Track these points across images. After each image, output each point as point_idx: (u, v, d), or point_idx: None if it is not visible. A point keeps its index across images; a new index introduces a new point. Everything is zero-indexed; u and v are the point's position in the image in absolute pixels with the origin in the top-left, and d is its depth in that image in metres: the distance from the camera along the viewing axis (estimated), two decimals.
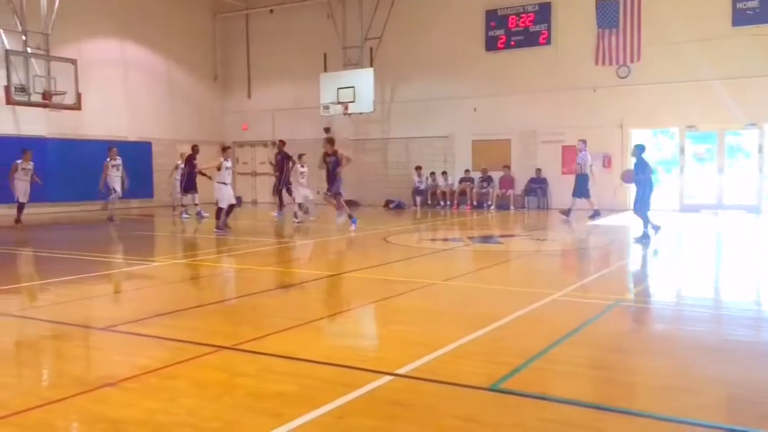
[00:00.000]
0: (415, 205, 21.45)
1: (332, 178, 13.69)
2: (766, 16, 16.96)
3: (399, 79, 22.25)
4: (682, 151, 18.67)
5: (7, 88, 16.61)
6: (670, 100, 18.14)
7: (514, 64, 20.42)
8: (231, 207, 13.85)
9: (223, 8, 25.43)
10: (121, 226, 16.10)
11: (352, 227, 13.52)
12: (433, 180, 21.59)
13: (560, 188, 18.87)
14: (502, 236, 13.70)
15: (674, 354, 4.98)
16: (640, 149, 11.71)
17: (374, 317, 6.53)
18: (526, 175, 20.44)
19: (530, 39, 20.14)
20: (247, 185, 24.96)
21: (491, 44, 20.75)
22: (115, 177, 16.75)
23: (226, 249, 11.71)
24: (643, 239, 11.39)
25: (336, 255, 11.49)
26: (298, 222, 15.36)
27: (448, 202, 21.04)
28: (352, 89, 21.32)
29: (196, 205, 17.76)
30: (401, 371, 4.33)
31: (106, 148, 17.30)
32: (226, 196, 13.62)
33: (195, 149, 17.50)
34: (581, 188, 16.45)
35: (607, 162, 18.83)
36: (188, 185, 17.52)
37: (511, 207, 19.96)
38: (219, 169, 13.67)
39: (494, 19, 20.66)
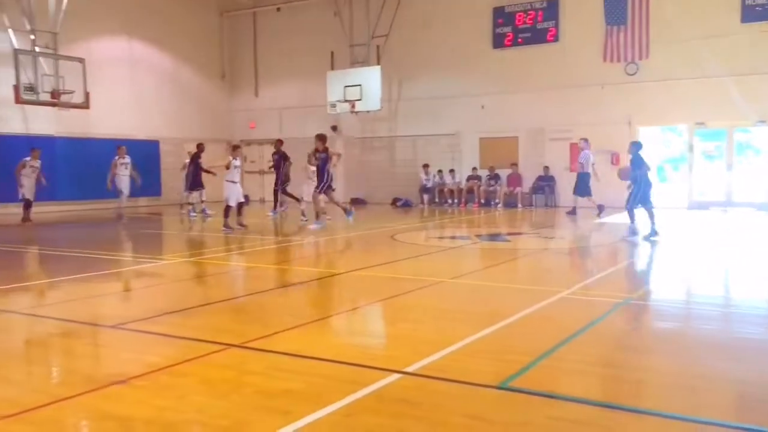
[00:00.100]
0: (422, 203, 21.40)
1: (321, 175, 13.77)
2: None
3: (406, 76, 22.22)
4: (690, 148, 18.57)
5: (16, 88, 16.67)
6: (679, 97, 18.03)
7: (521, 62, 20.34)
8: (240, 205, 13.89)
9: (231, 6, 25.51)
10: (129, 224, 16.18)
11: (348, 220, 14.23)
12: (441, 178, 21.54)
13: (568, 186, 18.76)
14: (509, 234, 13.65)
15: (683, 352, 4.95)
16: (636, 147, 11.72)
17: (382, 315, 6.53)
18: (533, 173, 20.39)
19: (538, 36, 20.08)
20: (254, 183, 24.97)
21: (499, 41, 20.70)
22: (123, 176, 16.82)
23: (234, 247, 11.75)
24: (632, 234, 11.55)
25: (343, 253, 11.52)
26: (305, 220, 15.36)
27: (456, 200, 20.99)
28: (359, 87, 21.33)
29: (202, 202, 17.81)
30: (409, 369, 4.32)
31: (114, 146, 17.39)
32: (234, 195, 13.68)
33: (200, 148, 17.52)
34: (582, 186, 16.43)
35: (615, 159, 18.72)
36: (194, 183, 17.56)
37: (519, 205, 19.90)
38: (228, 167, 13.70)
39: (502, 16, 20.60)
